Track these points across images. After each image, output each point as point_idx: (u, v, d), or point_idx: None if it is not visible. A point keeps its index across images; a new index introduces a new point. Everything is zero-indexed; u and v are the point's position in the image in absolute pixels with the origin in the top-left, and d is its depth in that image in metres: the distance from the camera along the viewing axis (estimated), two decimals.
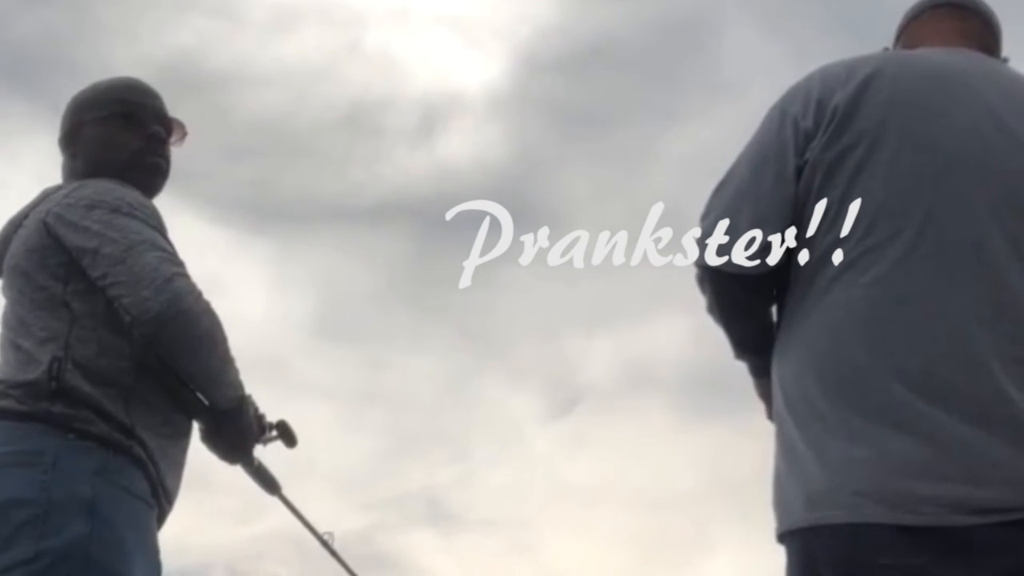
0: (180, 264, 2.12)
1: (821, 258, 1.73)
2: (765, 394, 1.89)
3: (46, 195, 2.31)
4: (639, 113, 7.98)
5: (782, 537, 1.70)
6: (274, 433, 2.29)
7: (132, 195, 2.21)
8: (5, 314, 2.23)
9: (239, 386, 2.19)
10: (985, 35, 1.98)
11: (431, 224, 8.02)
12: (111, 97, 2.40)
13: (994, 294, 1.65)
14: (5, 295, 2.26)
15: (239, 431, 2.22)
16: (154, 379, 2.13)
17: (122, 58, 7.48)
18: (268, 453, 2.35)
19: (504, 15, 8.57)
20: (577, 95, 8.08)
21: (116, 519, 2.02)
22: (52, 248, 2.17)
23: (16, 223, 2.32)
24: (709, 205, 1.83)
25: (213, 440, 2.23)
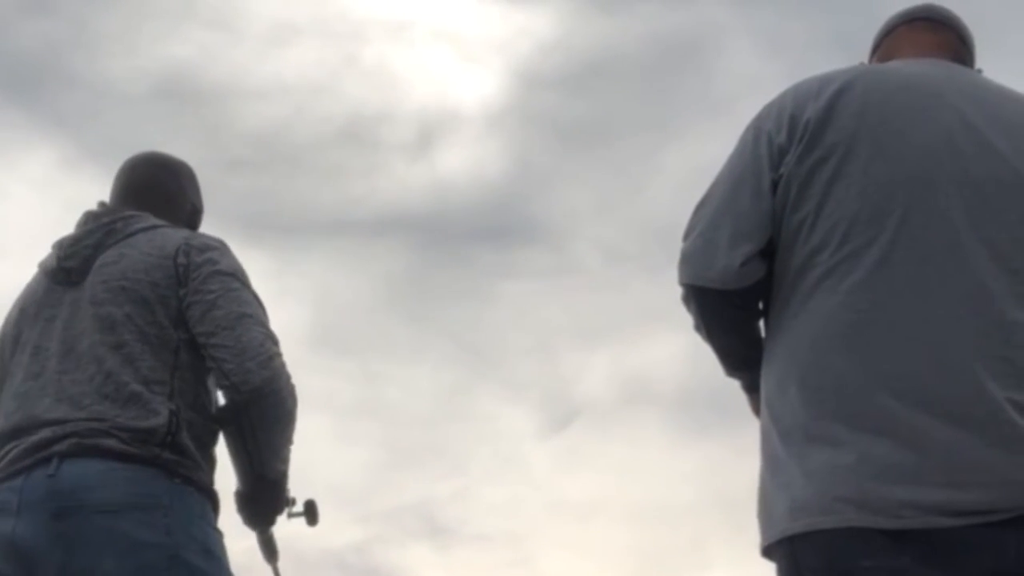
0: (278, 343, 2.25)
1: (800, 269, 1.75)
2: (759, 409, 1.90)
3: (148, 223, 2.36)
4: (637, 129, 8.00)
5: (768, 549, 1.71)
6: (299, 509, 2.39)
7: (239, 262, 2.34)
8: (99, 319, 2.23)
9: (288, 461, 2.31)
10: (959, 48, 2.01)
11: (428, 238, 8.03)
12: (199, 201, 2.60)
13: (972, 295, 1.67)
14: (93, 302, 2.26)
15: (273, 501, 2.34)
16: (217, 438, 2.27)
17: (121, 70, 7.50)
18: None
19: (503, 31, 8.59)
20: (575, 111, 8.10)
21: (223, 559, 2.18)
22: (174, 289, 2.25)
23: (113, 231, 2.34)
24: (690, 224, 1.86)
25: (248, 504, 2.32)
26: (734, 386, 2.01)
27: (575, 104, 8.08)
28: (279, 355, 2.22)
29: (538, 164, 8.22)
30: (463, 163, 8.26)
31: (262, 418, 2.19)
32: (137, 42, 7.52)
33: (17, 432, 2.18)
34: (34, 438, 2.14)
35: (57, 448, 2.11)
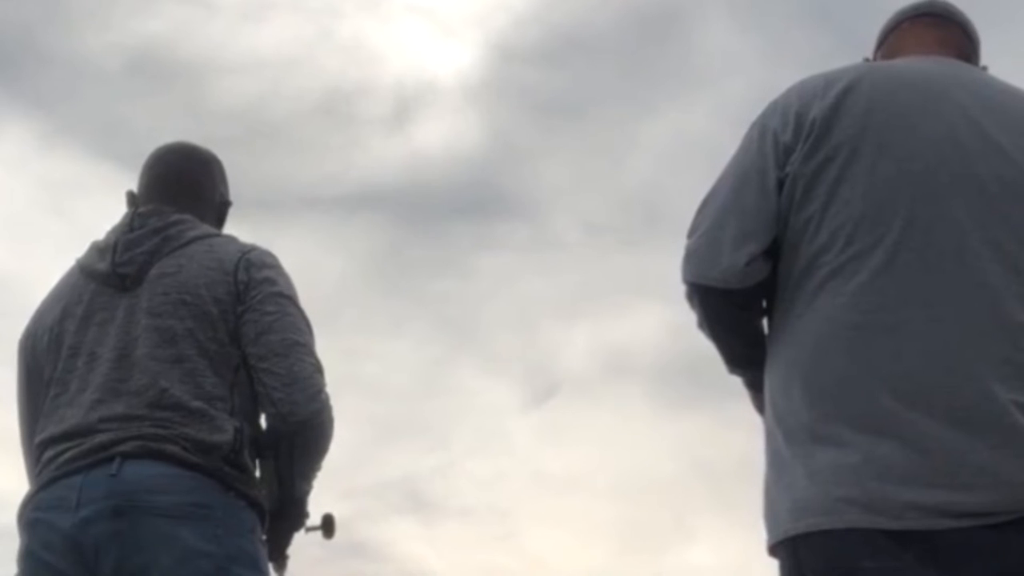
0: (323, 373, 2.28)
1: (805, 269, 1.74)
2: (762, 407, 1.90)
3: (201, 231, 2.35)
4: (615, 102, 7.98)
5: (773, 548, 1.72)
6: (316, 523, 2.42)
7: (290, 278, 2.36)
8: (157, 331, 2.23)
9: (313, 483, 2.36)
10: (964, 43, 1.99)
11: (406, 212, 8.01)
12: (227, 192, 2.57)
13: (976, 296, 1.67)
14: (151, 313, 2.25)
15: (295, 518, 2.37)
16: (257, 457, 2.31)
17: (95, 46, 7.42)
18: None
19: (479, 3, 8.55)
20: (553, 84, 8.08)
21: (267, 572, 2.24)
22: (234, 305, 2.25)
23: (168, 238, 2.32)
24: (695, 222, 1.85)
25: (274, 522, 2.33)
26: (715, 358, 2.01)
27: (553, 77, 8.06)
28: (325, 387, 2.26)
29: (516, 138, 8.20)
30: (440, 137, 8.23)
31: (304, 448, 2.25)
32: (111, 18, 7.45)
33: (71, 435, 2.19)
34: (94, 440, 2.15)
35: (120, 448, 2.13)
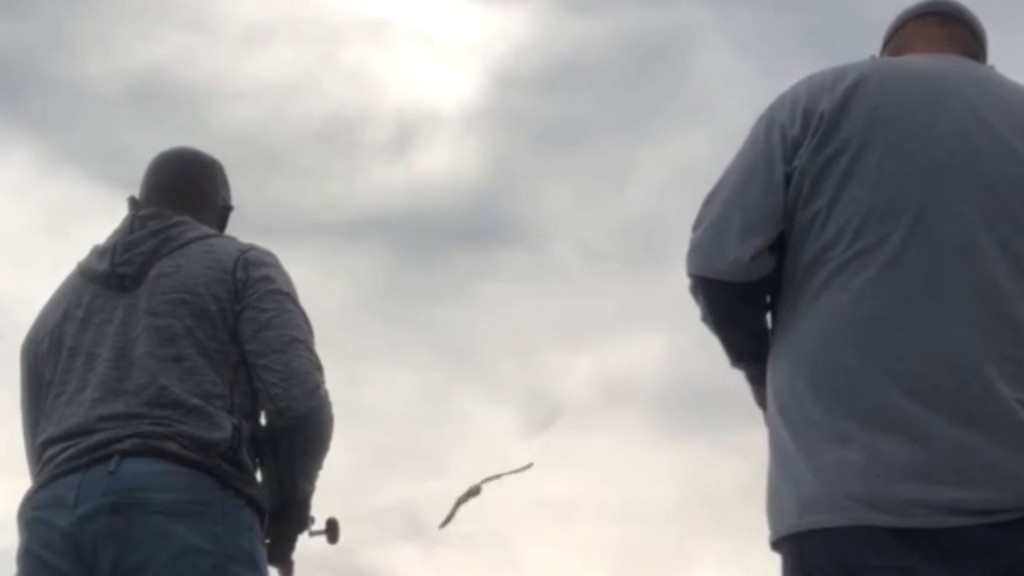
0: (322, 370, 2.29)
1: (811, 263, 1.74)
2: (763, 401, 1.90)
3: (200, 232, 2.35)
4: (614, 128, 8.01)
5: (776, 544, 1.71)
6: (320, 527, 2.41)
7: (290, 277, 2.37)
8: (156, 330, 2.23)
9: (315, 483, 2.35)
10: (970, 42, 2.00)
11: (407, 239, 8.02)
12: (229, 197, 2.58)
13: (983, 294, 1.67)
14: (150, 313, 2.25)
15: (298, 520, 2.36)
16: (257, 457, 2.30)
17: (96, 71, 7.46)
18: None
19: (479, 31, 8.60)
20: (553, 111, 8.11)
21: (265, 571, 2.23)
22: (232, 303, 2.26)
23: (168, 239, 2.32)
24: (700, 215, 1.84)
25: (273, 523, 2.32)
26: (715, 385, 2.02)
27: (552, 104, 8.09)
28: (323, 383, 2.26)
29: (516, 165, 8.22)
30: (441, 164, 8.26)
31: (303, 445, 2.25)
32: (113, 43, 7.49)
33: (70, 435, 2.19)
34: (92, 439, 2.16)
35: (119, 447, 2.13)
